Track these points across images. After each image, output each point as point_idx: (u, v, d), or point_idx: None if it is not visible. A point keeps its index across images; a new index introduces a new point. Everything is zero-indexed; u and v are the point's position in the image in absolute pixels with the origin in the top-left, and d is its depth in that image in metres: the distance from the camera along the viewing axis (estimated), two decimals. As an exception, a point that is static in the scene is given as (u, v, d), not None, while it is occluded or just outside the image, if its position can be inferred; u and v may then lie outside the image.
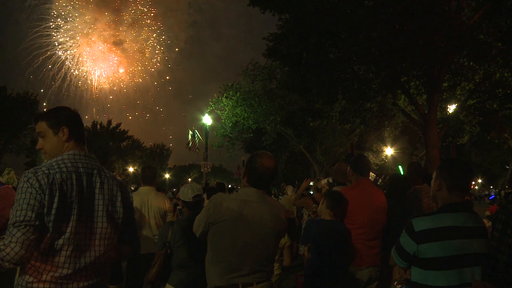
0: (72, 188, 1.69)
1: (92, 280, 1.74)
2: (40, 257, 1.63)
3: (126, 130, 54.51)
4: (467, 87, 13.67)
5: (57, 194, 1.64)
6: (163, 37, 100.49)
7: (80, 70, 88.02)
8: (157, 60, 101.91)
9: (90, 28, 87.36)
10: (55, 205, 1.63)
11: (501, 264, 2.18)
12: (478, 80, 12.87)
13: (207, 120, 19.77)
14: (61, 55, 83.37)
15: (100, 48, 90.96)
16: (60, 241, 1.65)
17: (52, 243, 1.64)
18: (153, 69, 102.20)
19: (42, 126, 1.86)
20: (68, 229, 1.66)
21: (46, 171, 1.67)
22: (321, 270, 3.25)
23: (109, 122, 52.09)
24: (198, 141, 19.65)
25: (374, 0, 11.61)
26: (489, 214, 13.33)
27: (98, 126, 50.99)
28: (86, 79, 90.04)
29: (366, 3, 11.80)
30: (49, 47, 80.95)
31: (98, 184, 1.79)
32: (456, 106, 14.56)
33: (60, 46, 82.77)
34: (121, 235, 1.89)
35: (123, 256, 1.97)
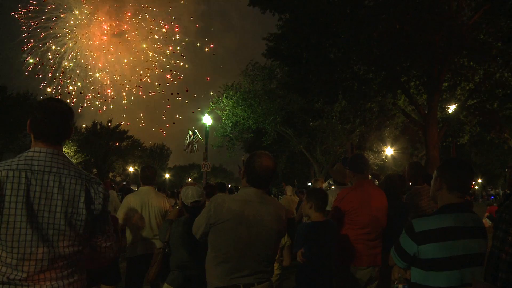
0: (19, 187, 1.61)
1: (55, 282, 1.67)
2: None
3: (126, 130, 54.56)
4: (467, 87, 13.68)
5: None
6: (168, 27, 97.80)
7: (80, 65, 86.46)
8: (161, 54, 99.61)
9: (90, 20, 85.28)
10: None
11: (504, 264, 2.17)
12: (478, 80, 12.87)
13: (207, 120, 19.78)
14: (59, 49, 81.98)
15: (100, 40, 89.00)
16: (9, 244, 1.59)
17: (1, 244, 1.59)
18: (157, 63, 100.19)
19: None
20: (16, 231, 1.59)
21: None
22: (313, 273, 3.23)
23: (109, 122, 52.11)
24: (196, 141, 19.64)
25: (374, 0, 11.62)
26: (488, 214, 13.35)
27: (98, 126, 50.97)
28: (86, 74, 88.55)
29: (366, 3, 11.81)
30: (47, 40, 79.54)
31: (57, 184, 1.68)
32: (456, 106, 14.55)
33: (58, 39, 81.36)
34: (89, 238, 1.80)
35: (90, 262, 1.88)
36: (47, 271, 1.65)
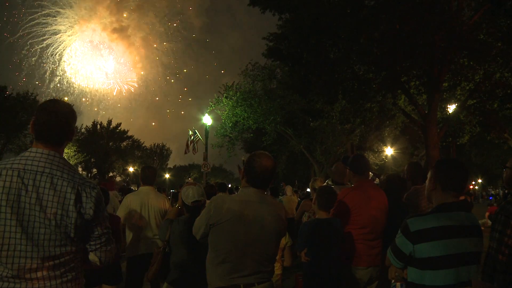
0: (10, 185, 1.63)
1: (48, 281, 1.67)
2: None
3: (126, 130, 54.52)
4: (467, 87, 13.68)
5: None
6: (170, 23, 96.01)
7: (80, 63, 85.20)
8: (164, 50, 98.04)
9: (90, 16, 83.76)
10: None
11: (501, 265, 2.18)
12: (478, 80, 12.87)
13: (207, 120, 19.79)
14: (59, 46, 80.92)
15: (100, 37, 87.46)
16: None
17: None
18: (159, 60, 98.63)
19: None
20: (7, 228, 1.61)
21: None
22: (320, 270, 3.24)
23: (109, 122, 52.10)
24: (196, 141, 19.64)
25: (374, 0, 11.63)
26: (489, 214, 13.37)
27: (98, 126, 50.97)
28: (85, 72, 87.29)
29: (367, 3, 11.82)
30: (46, 37, 78.48)
31: (48, 185, 1.68)
32: (456, 106, 14.56)
33: (58, 36, 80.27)
34: (85, 242, 1.79)
35: (89, 264, 1.86)
36: (38, 270, 1.65)
